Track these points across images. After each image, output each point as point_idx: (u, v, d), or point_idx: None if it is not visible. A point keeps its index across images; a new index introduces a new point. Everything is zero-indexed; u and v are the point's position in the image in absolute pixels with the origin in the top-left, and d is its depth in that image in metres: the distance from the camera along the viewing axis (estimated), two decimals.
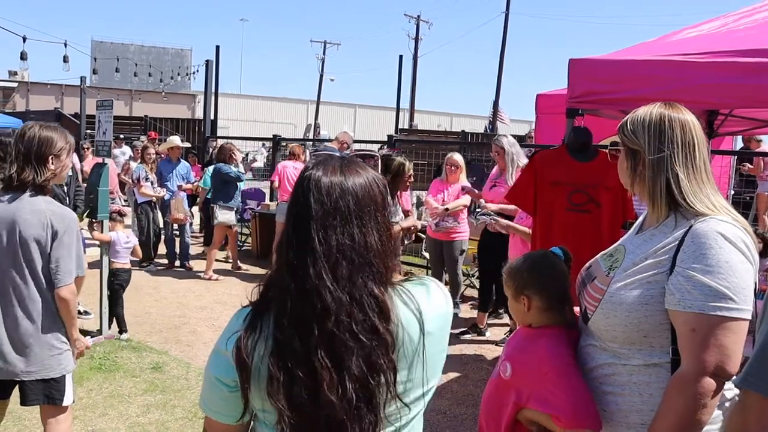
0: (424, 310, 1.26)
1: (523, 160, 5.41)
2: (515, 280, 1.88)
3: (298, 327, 1.17)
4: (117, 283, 5.44)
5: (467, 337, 5.82)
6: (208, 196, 8.54)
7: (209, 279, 7.77)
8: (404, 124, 22.95)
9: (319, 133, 23.23)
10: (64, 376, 2.71)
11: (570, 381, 1.67)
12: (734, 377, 1.44)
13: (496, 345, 5.63)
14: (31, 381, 2.63)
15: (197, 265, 8.42)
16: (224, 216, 7.99)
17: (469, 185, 6.18)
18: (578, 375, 1.70)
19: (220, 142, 11.97)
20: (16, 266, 2.57)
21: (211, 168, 8.61)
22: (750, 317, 1.46)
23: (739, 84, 2.90)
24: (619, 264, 1.68)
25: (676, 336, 1.53)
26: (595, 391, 1.67)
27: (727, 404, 1.56)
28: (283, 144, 11.51)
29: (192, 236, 8.89)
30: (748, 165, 8.82)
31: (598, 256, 1.83)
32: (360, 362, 1.16)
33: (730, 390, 1.56)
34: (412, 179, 4.61)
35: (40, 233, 2.56)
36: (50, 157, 2.63)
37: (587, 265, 1.84)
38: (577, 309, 1.85)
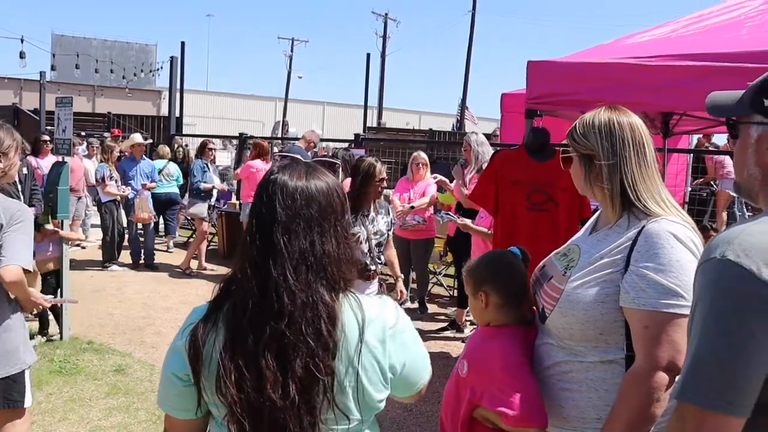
0: (369, 318, 1.28)
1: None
2: (474, 277, 1.91)
3: (254, 325, 1.20)
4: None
5: (446, 333, 5.89)
6: (157, 190, 8.63)
7: (186, 269, 8.02)
8: (372, 122, 22.92)
9: (287, 131, 23.06)
10: (23, 373, 2.61)
11: (519, 380, 1.70)
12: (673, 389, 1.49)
13: (462, 342, 5.69)
14: None
15: (163, 260, 8.53)
16: (196, 208, 8.24)
17: (440, 178, 6.19)
18: (529, 374, 1.73)
19: (185, 139, 11.83)
20: None
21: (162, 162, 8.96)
22: None
23: (689, 87, 2.99)
24: (575, 263, 1.72)
25: (631, 333, 1.58)
26: (552, 389, 1.71)
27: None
28: (250, 142, 11.42)
29: (156, 235, 8.78)
30: (699, 180, 9.24)
31: (552, 255, 1.87)
32: (303, 364, 1.19)
33: None
34: (384, 183, 3.88)
35: None
36: None
37: (541, 264, 1.88)
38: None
